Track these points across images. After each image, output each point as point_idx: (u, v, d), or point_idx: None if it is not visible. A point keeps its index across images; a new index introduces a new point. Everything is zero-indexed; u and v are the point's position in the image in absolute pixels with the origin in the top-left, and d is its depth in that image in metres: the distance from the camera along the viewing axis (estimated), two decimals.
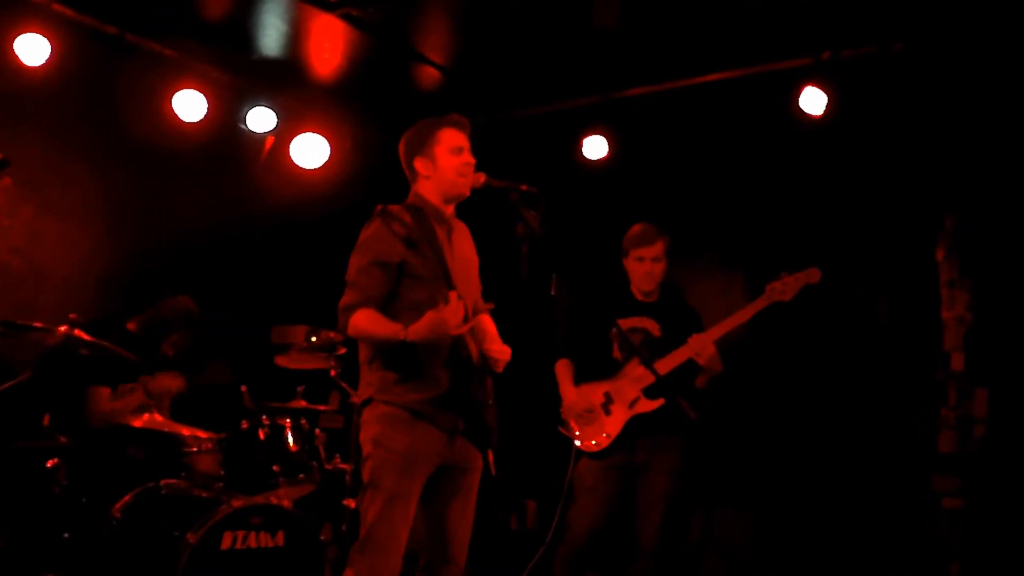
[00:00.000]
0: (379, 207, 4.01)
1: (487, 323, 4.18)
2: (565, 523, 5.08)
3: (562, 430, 5.13)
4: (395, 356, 3.87)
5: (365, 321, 3.85)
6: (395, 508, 3.79)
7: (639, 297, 5.28)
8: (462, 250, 4.18)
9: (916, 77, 5.78)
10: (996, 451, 5.71)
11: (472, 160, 4.07)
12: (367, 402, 3.96)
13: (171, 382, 5.54)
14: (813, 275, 5.00)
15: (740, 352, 5.16)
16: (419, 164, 4.10)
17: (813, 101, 5.94)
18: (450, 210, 4.13)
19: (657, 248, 5.20)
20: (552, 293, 4.03)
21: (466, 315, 3.78)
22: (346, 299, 3.91)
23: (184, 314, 5.71)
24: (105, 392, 5.30)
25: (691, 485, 5.26)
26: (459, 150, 4.05)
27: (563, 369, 5.24)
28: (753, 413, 6.37)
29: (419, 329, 3.72)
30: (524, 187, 4.00)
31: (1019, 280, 5.76)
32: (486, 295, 4.23)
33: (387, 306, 3.90)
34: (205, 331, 5.87)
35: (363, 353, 4.02)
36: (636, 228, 5.28)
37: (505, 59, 6.46)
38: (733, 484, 6.38)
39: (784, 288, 4.99)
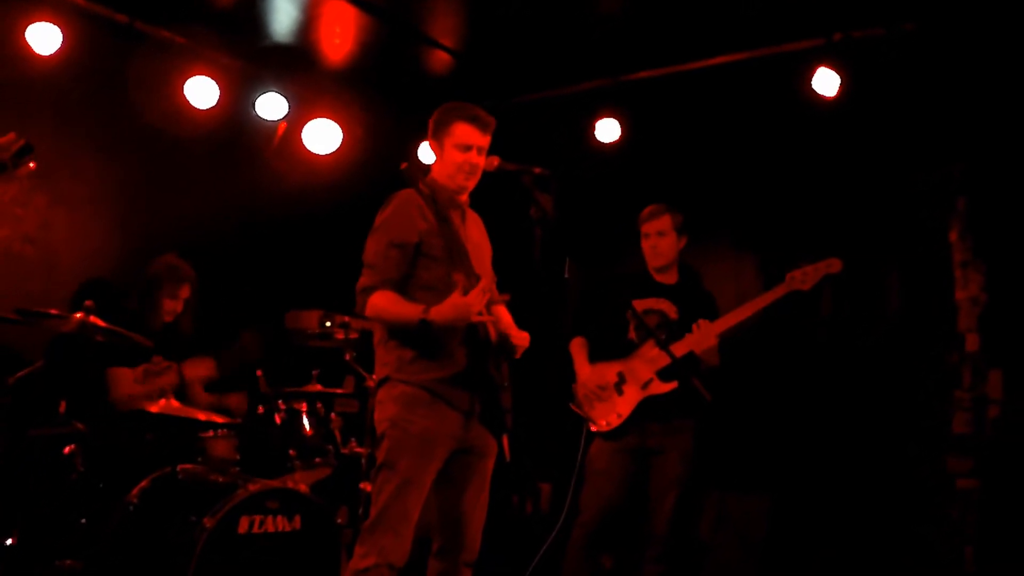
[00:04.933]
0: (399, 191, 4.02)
1: (503, 314, 4.20)
2: (578, 505, 5.09)
3: (574, 407, 5.14)
4: (411, 335, 3.87)
5: (385, 302, 3.85)
6: (409, 490, 3.80)
7: (657, 279, 5.28)
8: (475, 237, 4.19)
9: (928, 57, 5.74)
10: (1011, 432, 5.69)
11: (478, 161, 4.04)
12: (383, 381, 3.96)
13: (203, 369, 5.52)
14: (834, 265, 4.98)
15: (753, 334, 5.14)
16: (432, 146, 4.14)
17: (826, 82, 5.91)
18: (463, 196, 4.13)
19: (662, 222, 5.20)
20: (566, 276, 4.03)
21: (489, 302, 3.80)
22: (364, 280, 3.91)
23: (166, 267, 5.56)
24: (126, 374, 5.26)
25: (703, 468, 5.27)
26: (466, 148, 4.02)
27: (578, 347, 5.25)
28: (766, 395, 6.36)
29: (443, 311, 3.74)
30: (537, 170, 4.00)
31: None
32: (499, 280, 4.23)
33: (402, 286, 3.91)
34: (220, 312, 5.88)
35: (378, 333, 4.02)
36: (647, 208, 5.31)
37: (516, 42, 6.44)
38: (746, 467, 6.38)
39: (804, 277, 4.98)
